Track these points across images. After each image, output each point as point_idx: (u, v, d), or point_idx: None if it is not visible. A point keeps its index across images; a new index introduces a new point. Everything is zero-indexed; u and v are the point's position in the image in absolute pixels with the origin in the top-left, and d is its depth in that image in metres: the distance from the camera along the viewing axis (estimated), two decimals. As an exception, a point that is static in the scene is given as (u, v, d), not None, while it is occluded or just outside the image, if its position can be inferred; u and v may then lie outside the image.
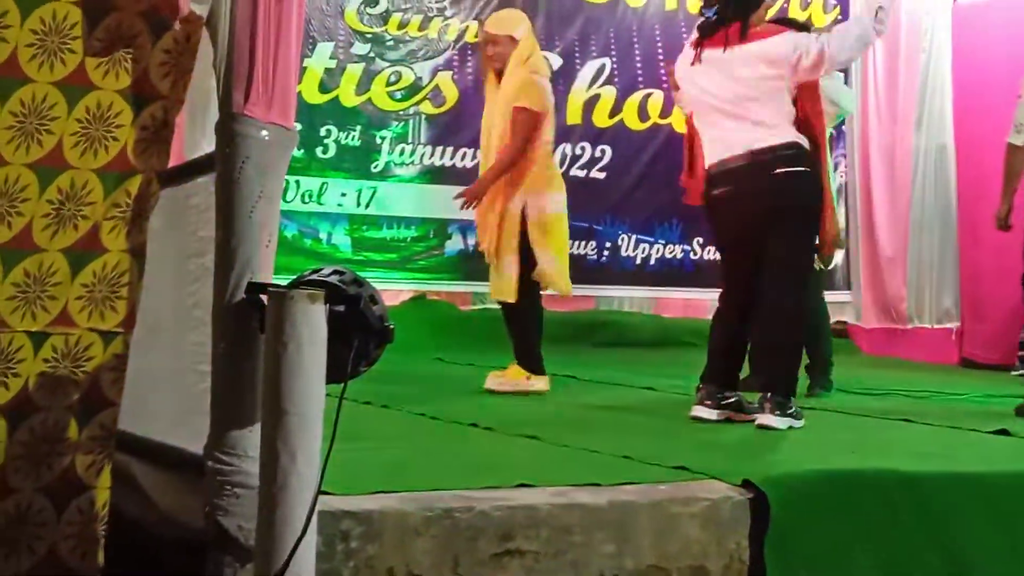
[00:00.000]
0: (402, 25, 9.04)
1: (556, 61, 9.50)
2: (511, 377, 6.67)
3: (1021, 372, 6.45)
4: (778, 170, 5.49)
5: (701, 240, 9.85)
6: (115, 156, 2.96)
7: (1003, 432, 5.51)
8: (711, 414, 5.58)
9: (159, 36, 2.99)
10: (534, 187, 6.64)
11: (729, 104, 5.60)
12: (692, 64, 5.73)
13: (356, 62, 8.95)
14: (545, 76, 6.78)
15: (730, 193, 5.62)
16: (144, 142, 2.99)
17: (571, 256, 9.45)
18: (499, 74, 6.68)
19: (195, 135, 3.66)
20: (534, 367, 6.70)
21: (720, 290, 5.88)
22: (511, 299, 6.71)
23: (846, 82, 10.04)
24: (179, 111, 3.05)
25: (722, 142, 5.66)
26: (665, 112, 9.74)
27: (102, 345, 2.98)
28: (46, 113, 2.86)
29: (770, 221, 5.50)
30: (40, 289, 2.90)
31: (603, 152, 9.66)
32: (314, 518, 2.99)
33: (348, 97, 8.87)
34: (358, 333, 3.10)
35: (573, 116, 9.60)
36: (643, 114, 9.86)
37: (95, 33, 2.92)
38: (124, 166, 2.97)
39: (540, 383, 6.68)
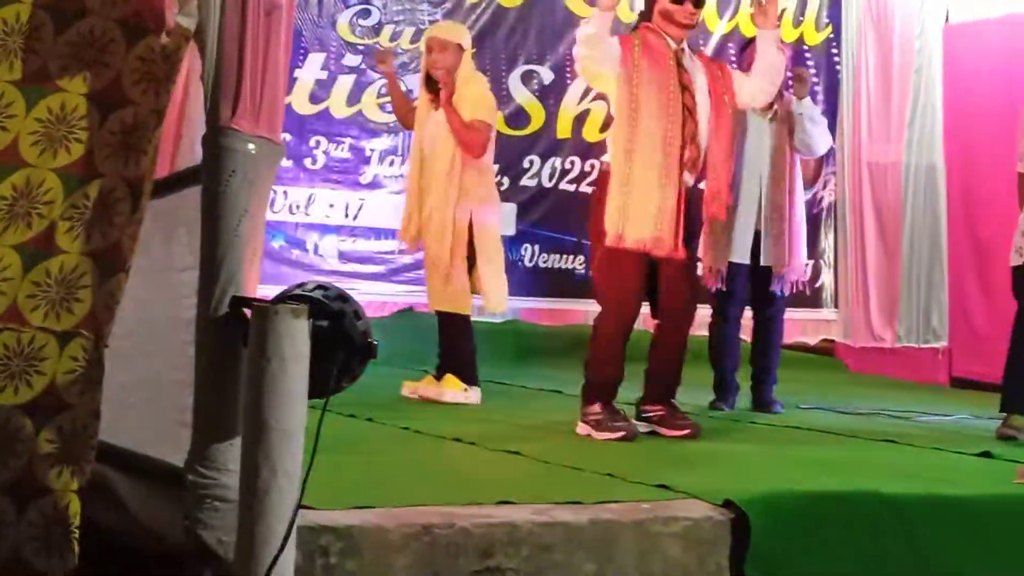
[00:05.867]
0: (394, 37, 9.04)
1: (547, 76, 9.53)
2: (449, 387, 6.72)
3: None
4: None
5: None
6: (77, 158, 2.95)
7: (986, 455, 5.51)
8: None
9: (134, 43, 2.99)
10: (479, 199, 6.74)
11: None
12: None
13: (347, 73, 8.95)
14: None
15: None
16: (110, 147, 2.98)
17: (559, 270, 9.57)
18: (434, 82, 6.77)
19: (194, 146, 3.66)
20: (472, 379, 6.77)
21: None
22: (465, 310, 6.78)
23: (836, 103, 10.10)
24: (157, 120, 3.03)
25: None
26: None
27: (57, 346, 2.96)
28: (2, 111, 2.87)
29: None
30: None
31: (593, 167, 9.66)
32: (293, 533, 2.99)
33: (339, 108, 8.87)
34: (341, 349, 3.11)
35: (563, 130, 9.61)
36: (633, 129, 9.85)
37: (64, 37, 2.92)
38: (85, 169, 2.96)
39: (475, 395, 6.75)
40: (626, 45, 5.65)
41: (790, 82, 7.00)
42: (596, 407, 5.64)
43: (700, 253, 6.65)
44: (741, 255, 6.94)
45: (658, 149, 5.58)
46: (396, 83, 7.36)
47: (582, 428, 5.65)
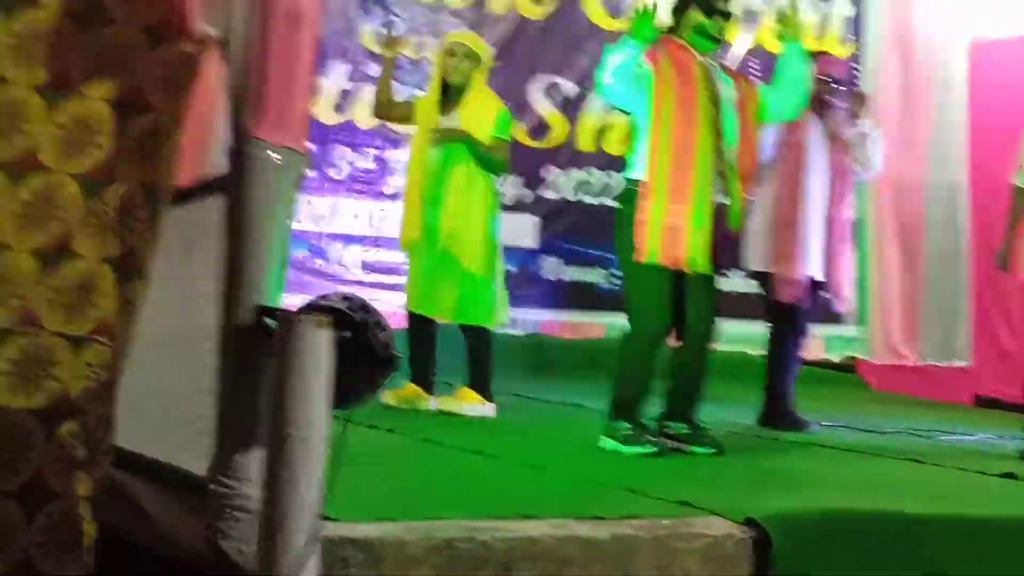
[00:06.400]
0: (419, 48, 9.04)
1: (569, 88, 9.51)
2: (468, 400, 6.73)
3: None
4: None
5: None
6: (97, 163, 2.95)
7: (1010, 475, 5.48)
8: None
9: (157, 49, 2.99)
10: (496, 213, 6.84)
11: None
12: None
13: (371, 83, 8.94)
14: None
15: None
16: (130, 152, 2.98)
17: (581, 283, 9.55)
18: (449, 87, 6.81)
19: (218, 156, 3.67)
20: (488, 393, 6.78)
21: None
22: (491, 324, 6.78)
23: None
24: (177, 126, 3.03)
25: None
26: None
27: (71, 352, 2.96)
28: (24, 115, 2.87)
29: None
30: (6, 289, 2.89)
31: (614, 179, 9.64)
32: (315, 544, 2.98)
33: (363, 119, 8.86)
34: (364, 360, 3.10)
35: (585, 143, 9.59)
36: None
37: (87, 42, 2.92)
38: (104, 174, 2.96)
39: (491, 409, 6.75)
40: (652, 59, 5.64)
41: (830, 99, 7.05)
42: (624, 422, 5.62)
43: (771, 267, 6.86)
44: (815, 269, 6.96)
45: (689, 164, 5.58)
46: (391, 71, 7.31)
47: (609, 443, 5.63)
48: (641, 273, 5.62)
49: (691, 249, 5.58)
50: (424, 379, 6.81)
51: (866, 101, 7.33)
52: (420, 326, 6.85)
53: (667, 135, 5.60)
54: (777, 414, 6.97)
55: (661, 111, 5.60)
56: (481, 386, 6.77)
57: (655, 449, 5.54)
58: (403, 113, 7.14)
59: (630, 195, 5.72)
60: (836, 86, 7.10)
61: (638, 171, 5.71)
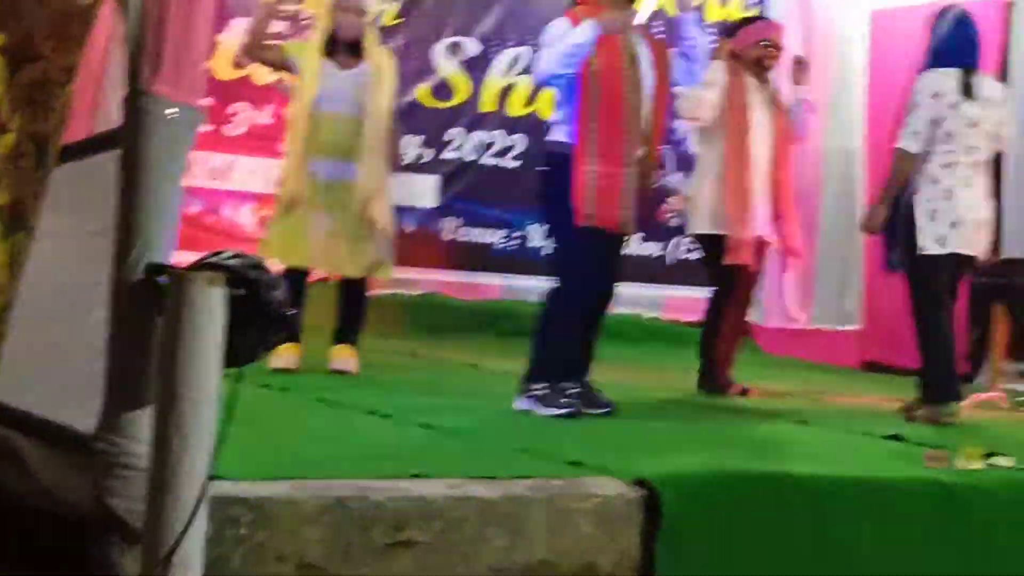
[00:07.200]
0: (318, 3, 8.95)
1: (475, 47, 9.49)
2: (353, 355, 6.73)
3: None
4: None
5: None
6: None
7: (896, 437, 5.58)
8: None
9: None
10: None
11: None
12: None
13: (272, 40, 8.84)
14: None
15: None
16: (18, 101, 2.92)
17: (479, 244, 9.56)
18: (342, 43, 6.77)
19: (112, 110, 3.62)
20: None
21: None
22: (358, 274, 6.79)
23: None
24: (68, 77, 2.97)
25: None
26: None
27: None
28: None
29: None
30: None
31: (516, 141, 9.65)
32: (204, 503, 2.97)
33: (261, 75, 8.78)
34: (257, 318, 3.08)
35: (487, 104, 9.59)
36: (558, 105, 9.85)
37: None
38: None
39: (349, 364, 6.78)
40: (575, 23, 5.67)
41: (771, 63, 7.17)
42: (541, 383, 5.64)
43: (722, 229, 6.91)
44: (763, 229, 7.05)
45: (619, 125, 5.63)
46: (268, 17, 7.09)
47: (522, 403, 5.64)
48: (578, 237, 5.63)
49: (625, 211, 5.62)
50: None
51: (806, 69, 7.38)
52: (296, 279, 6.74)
53: (596, 97, 5.62)
54: (711, 379, 7.03)
55: (590, 74, 5.62)
56: (355, 338, 6.80)
57: (570, 410, 5.56)
58: (273, 57, 6.99)
59: (558, 159, 5.73)
60: (776, 51, 7.17)
61: (565, 134, 5.73)
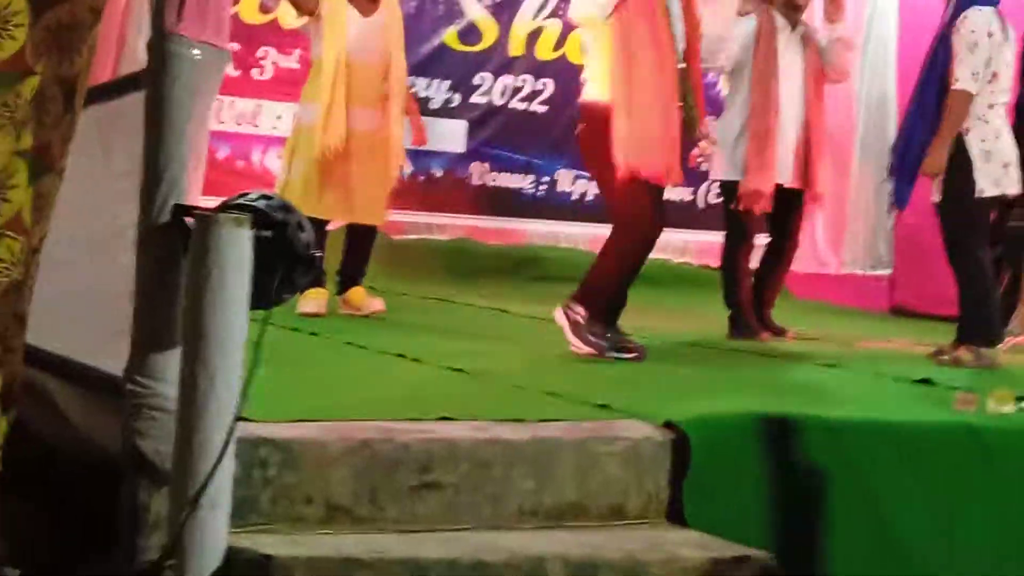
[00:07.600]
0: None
1: (502, -9, 9.45)
2: (364, 299, 6.73)
3: None
4: None
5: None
6: (9, 55, 2.87)
7: (926, 381, 5.56)
8: None
9: None
10: None
11: None
12: None
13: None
14: None
15: None
16: (44, 44, 2.91)
17: (508, 189, 9.54)
18: None
19: (137, 52, 3.61)
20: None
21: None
22: (381, 221, 6.79)
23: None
24: (94, 19, 2.95)
25: None
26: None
27: None
28: None
29: None
30: None
31: (545, 85, 9.59)
32: (232, 444, 2.98)
33: (288, 19, 8.73)
34: (284, 259, 3.08)
35: (515, 48, 9.53)
36: (587, 49, 9.80)
37: None
38: (18, 66, 2.88)
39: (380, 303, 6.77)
40: None
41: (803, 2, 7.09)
42: (583, 309, 5.62)
43: (740, 176, 6.85)
44: (784, 176, 6.98)
45: (659, 76, 5.58)
46: None
47: (560, 316, 5.63)
48: (624, 188, 5.60)
49: (668, 160, 5.60)
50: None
51: (840, 5, 7.30)
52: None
53: (630, 44, 5.57)
54: (739, 325, 7.01)
55: (624, 30, 5.57)
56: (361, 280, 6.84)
57: (590, 350, 5.56)
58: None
59: (596, 112, 5.69)
60: None
61: (598, 91, 5.68)
